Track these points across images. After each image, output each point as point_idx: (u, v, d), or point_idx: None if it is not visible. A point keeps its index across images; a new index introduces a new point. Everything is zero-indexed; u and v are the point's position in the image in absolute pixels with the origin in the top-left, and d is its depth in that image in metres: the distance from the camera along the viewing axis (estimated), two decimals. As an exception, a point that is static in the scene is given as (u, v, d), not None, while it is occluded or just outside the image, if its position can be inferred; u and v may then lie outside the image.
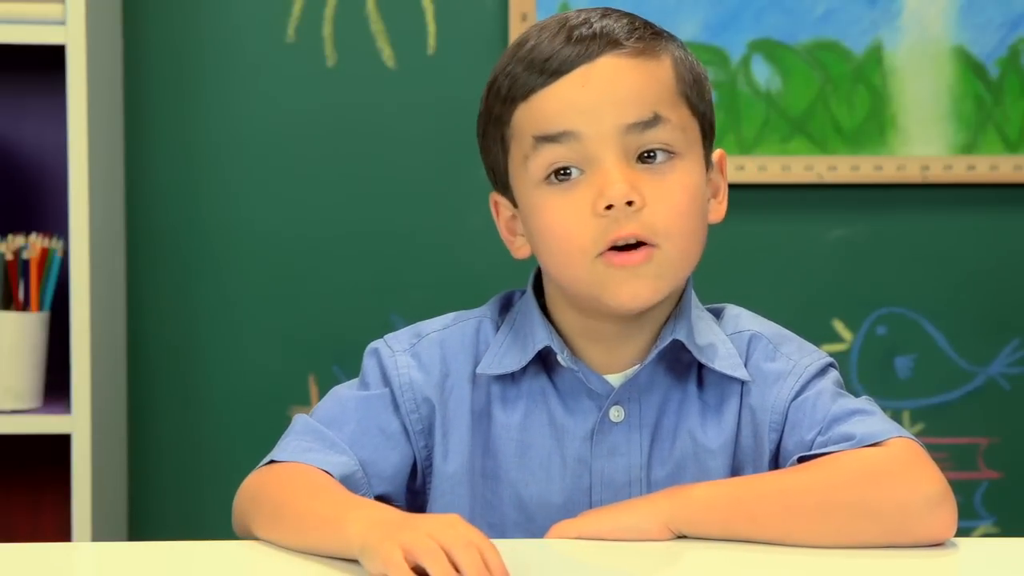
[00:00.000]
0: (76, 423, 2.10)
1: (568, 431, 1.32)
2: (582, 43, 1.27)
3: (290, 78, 2.40)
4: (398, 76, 2.40)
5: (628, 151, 1.26)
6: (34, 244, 2.17)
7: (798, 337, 1.36)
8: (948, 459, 2.48)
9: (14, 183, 2.33)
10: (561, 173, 1.27)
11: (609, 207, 1.24)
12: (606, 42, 1.27)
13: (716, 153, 1.35)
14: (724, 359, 1.32)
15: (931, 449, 1.26)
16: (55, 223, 2.30)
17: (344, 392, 1.36)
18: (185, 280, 2.41)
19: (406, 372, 1.34)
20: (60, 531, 2.30)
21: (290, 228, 2.41)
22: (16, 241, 2.17)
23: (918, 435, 1.63)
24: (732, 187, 1.46)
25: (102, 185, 2.20)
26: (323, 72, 2.40)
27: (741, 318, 1.37)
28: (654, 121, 1.26)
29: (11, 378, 2.14)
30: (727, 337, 1.34)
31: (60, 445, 2.19)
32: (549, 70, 1.26)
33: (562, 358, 1.31)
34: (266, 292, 2.41)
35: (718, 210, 1.35)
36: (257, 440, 2.40)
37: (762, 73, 2.44)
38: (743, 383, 1.32)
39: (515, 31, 2.35)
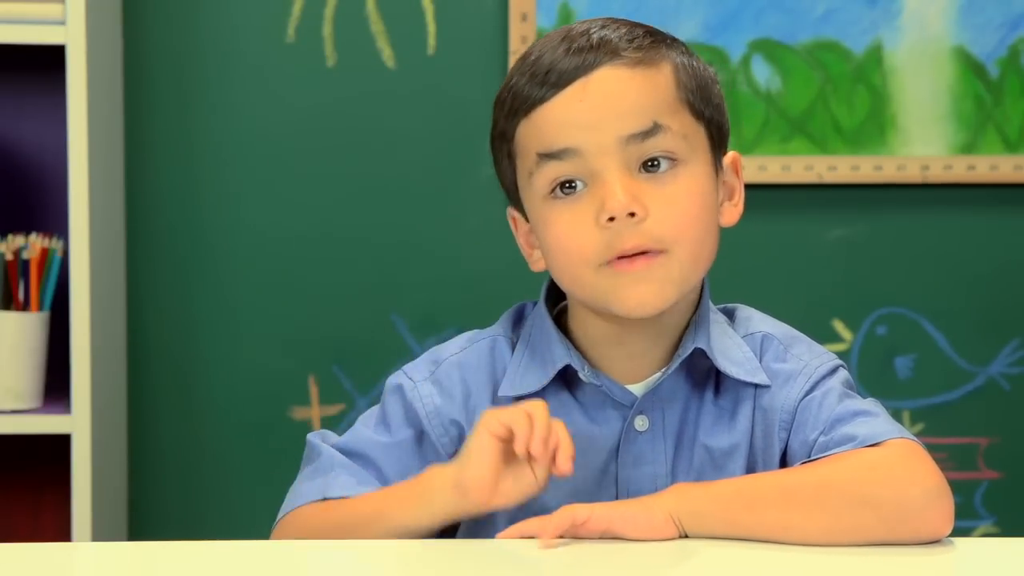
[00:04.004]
0: (76, 423, 2.10)
1: (593, 441, 1.32)
2: (580, 54, 1.28)
3: (290, 78, 2.40)
4: (398, 76, 2.40)
5: (630, 162, 1.27)
6: (34, 244, 2.17)
7: (808, 338, 1.37)
8: (948, 459, 2.48)
9: (14, 183, 2.33)
10: (567, 186, 1.28)
11: (611, 219, 1.25)
12: (604, 52, 1.28)
13: (729, 156, 1.35)
14: (742, 365, 1.33)
15: (931, 449, 1.27)
16: (55, 223, 2.29)
17: (366, 434, 1.35)
18: (185, 280, 2.41)
19: (430, 400, 1.34)
20: (60, 531, 2.30)
21: (290, 228, 2.41)
22: (16, 241, 2.17)
23: (918, 435, 1.63)
24: (733, 187, 1.46)
25: (102, 185, 2.20)
26: (323, 72, 2.40)
27: (752, 319, 1.38)
28: (654, 130, 1.27)
29: (11, 378, 2.14)
30: (741, 340, 1.35)
31: (60, 445, 2.19)
32: (549, 82, 1.28)
33: (583, 374, 1.32)
34: (266, 292, 2.41)
35: (732, 213, 1.35)
36: (257, 440, 2.40)
37: (762, 73, 2.44)
38: (756, 386, 1.33)
39: (515, 31, 2.35)
